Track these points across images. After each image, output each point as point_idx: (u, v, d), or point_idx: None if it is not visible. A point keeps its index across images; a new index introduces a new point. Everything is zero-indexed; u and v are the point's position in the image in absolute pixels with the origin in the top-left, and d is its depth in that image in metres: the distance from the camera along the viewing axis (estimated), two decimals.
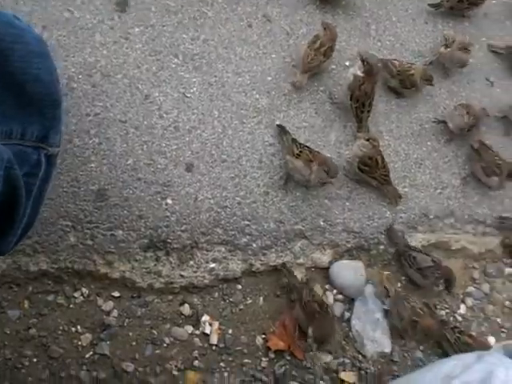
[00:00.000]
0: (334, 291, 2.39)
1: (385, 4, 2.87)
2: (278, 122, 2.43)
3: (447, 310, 2.51)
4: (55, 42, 2.27)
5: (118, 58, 2.33)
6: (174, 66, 2.39)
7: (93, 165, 2.18)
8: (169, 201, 2.22)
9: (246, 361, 2.20)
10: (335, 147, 2.51)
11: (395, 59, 2.67)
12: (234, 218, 2.29)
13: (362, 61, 2.46)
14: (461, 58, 2.78)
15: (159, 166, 2.25)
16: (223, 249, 2.26)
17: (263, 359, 2.22)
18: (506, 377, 1.01)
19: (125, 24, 2.39)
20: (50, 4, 2.33)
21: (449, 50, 2.76)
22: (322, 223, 2.41)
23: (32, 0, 2.31)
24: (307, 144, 2.37)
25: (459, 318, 2.51)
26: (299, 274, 2.34)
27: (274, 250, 2.33)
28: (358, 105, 2.46)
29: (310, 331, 2.22)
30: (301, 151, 2.30)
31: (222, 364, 2.18)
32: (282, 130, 2.40)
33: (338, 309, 2.37)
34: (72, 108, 2.22)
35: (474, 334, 2.42)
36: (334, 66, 2.63)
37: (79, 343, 2.08)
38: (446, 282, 2.48)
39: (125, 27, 2.39)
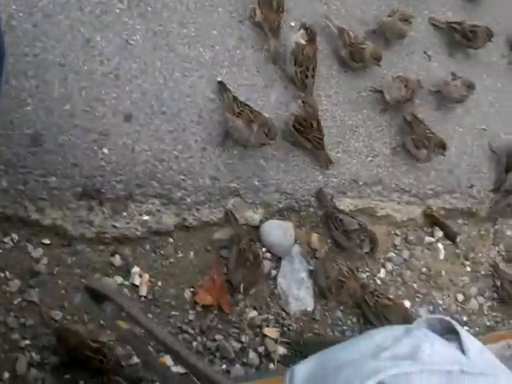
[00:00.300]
0: (263, 249, 2.48)
1: None
2: (219, 79, 2.44)
3: (368, 274, 2.67)
4: None
5: (60, 2, 2.26)
6: (118, 10, 2.34)
7: (29, 108, 2.14)
8: (105, 150, 2.21)
9: (174, 313, 2.27)
10: (275, 108, 2.55)
11: (352, 31, 2.72)
12: (170, 171, 2.31)
13: (305, 29, 2.50)
14: (401, 28, 2.85)
15: (97, 114, 2.23)
16: (157, 202, 2.29)
17: (190, 312, 2.29)
18: (432, 351, 1.11)
19: None
20: None
21: (391, 19, 2.83)
22: (256, 183, 2.47)
23: None
24: (247, 103, 2.41)
25: (378, 282, 2.68)
26: (230, 231, 2.41)
27: (207, 205, 2.38)
28: (303, 69, 2.50)
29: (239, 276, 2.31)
30: (242, 110, 2.33)
31: (149, 315, 2.22)
32: (223, 86, 2.42)
33: (265, 266, 2.46)
34: (10, 47, 2.11)
35: (391, 297, 2.59)
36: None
37: (7, 289, 2.07)
38: (370, 245, 2.60)
39: None
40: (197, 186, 2.35)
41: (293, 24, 2.67)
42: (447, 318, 1.28)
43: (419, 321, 1.32)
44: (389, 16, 2.85)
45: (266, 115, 2.44)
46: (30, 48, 2.18)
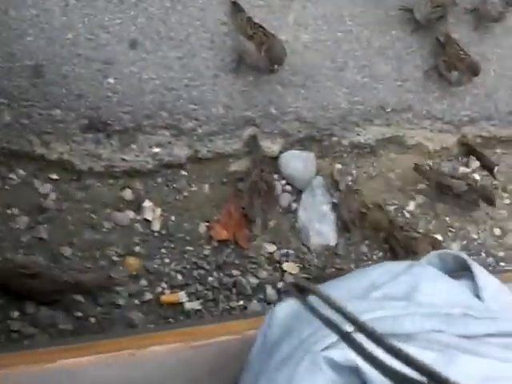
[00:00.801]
0: (283, 182, 2.38)
1: None
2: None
3: (396, 206, 2.54)
4: None
5: None
6: None
7: (29, 38, 2.06)
8: (110, 80, 2.13)
9: (189, 248, 2.22)
10: (294, 29, 2.41)
11: None
12: (181, 100, 2.21)
13: None
14: None
15: (101, 42, 2.13)
16: (168, 133, 2.20)
17: (206, 247, 2.23)
18: (432, 292, 0.99)
19: None
20: None
21: None
22: (273, 111, 2.34)
23: None
24: (263, 25, 2.26)
25: (407, 215, 2.54)
26: (247, 163, 2.32)
27: (221, 136, 2.28)
28: None
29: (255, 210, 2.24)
30: (255, 32, 2.20)
31: (163, 250, 2.18)
32: (236, 7, 2.28)
33: (285, 199, 2.37)
34: None
35: (421, 231, 2.47)
36: None
37: (16, 226, 2.06)
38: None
39: None
40: (209, 116, 2.25)
41: None
42: (462, 255, 1.15)
43: (428, 256, 1.20)
44: None
45: (283, 37, 2.32)
46: None
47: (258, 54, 2.16)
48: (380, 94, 2.52)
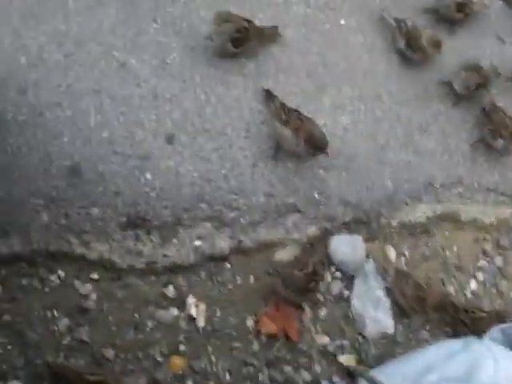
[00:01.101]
0: (332, 268, 2.28)
1: None
2: (265, 87, 2.31)
3: (456, 286, 2.38)
4: (25, 10, 2.19)
5: (91, 25, 2.23)
6: (152, 30, 2.28)
7: (65, 139, 2.09)
8: (148, 175, 2.12)
9: (236, 344, 2.10)
10: (330, 113, 2.38)
11: (408, 18, 2.54)
12: (220, 191, 2.17)
13: None
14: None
15: (137, 138, 2.14)
16: (209, 225, 2.15)
17: (254, 342, 2.11)
18: (495, 371, 0.86)
19: None
20: None
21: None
22: (316, 195, 2.28)
23: None
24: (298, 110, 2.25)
25: (469, 295, 2.38)
26: (293, 251, 2.23)
27: (264, 225, 2.21)
28: None
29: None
30: (289, 117, 2.18)
31: (209, 348, 2.07)
32: (269, 94, 2.28)
33: (336, 287, 2.25)
34: (43, 79, 2.13)
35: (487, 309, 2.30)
36: (328, 26, 2.50)
37: (56, 329, 2.00)
38: None
39: None
40: (250, 205, 2.19)
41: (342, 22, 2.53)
42: None
43: (491, 332, 1.08)
44: None
45: (322, 121, 2.29)
46: (63, 78, 2.15)
47: (295, 140, 2.13)
48: (426, 169, 2.44)
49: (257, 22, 2.34)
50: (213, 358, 2.07)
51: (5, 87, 2.10)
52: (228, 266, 2.18)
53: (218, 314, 2.12)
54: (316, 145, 2.15)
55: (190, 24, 2.33)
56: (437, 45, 2.49)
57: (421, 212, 2.43)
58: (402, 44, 2.52)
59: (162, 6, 2.33)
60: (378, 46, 2.53)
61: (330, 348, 2.17)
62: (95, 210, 2.07)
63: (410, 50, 2.51)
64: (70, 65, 2.16)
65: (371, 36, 2.54)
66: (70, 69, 2.15)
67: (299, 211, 2.26)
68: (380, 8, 2.59)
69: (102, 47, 2.20)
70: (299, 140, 2.14)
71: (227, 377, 2.06)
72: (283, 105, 2.22)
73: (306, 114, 2.23)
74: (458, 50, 2.63)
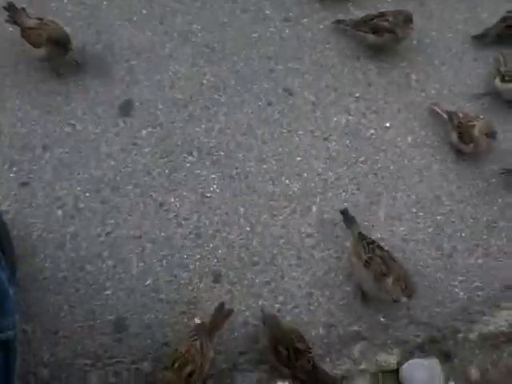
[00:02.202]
0: None
1: (424, 47, 2.61)
2: (341, 208, 2.16)
3: None
4: (57, 162, 2.17)
5: (126, 167, 2.19)
6: (188, 164, 2.22)
7: (108, 292, 2.01)
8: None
9: None
10: (386, 224, 2.23)
11: (461, 111, 2.40)
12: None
13: None
14: None
15: (182, 282, 2.04)
16: (267, 367, 1.99)
17: None
18: None
19: (131, 128, 2.26)
20: (49, 120, 2.24)
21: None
22: (381, 319, 2.09)
23: (29, 120, 2.24)
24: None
25: None
26: (364, 382, 2.04)
27: (328, 359, 2.03)
28: None
29: None
30: (371, 257, 1.99)
31: None
32: (346, 216, 2.14)
33: None
34: (81, 230, 2.07)
35: None
36: (372, 131, 2.38)
37: None
38: None
39: (131, 132, 2.25)
40: (310, 339, 2.01)
41: (387, 125, 2.41)
42: None
43: None
44: (503, 77, 2.48)
45: (378, 235, 2.13)
46: (102, 227, 2.09)
47: (379, 285, 1.96)
48: (501, 272, 2.22)
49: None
50: None
51: (42, 243, 2.06)
52: None
53: None
54: (408, 288, 1.94)
55: (226, 151, 2.26)
56: (490, 134, 2.31)
57: (502, 320, 2.19)
58: (454, 137, 2.37)
59: (196, 137, 2.28)
60: (429, 143, 2.38)
61: None
62: (145, 364, 1.95)
63: (463, 143, 2.35)
64: (108, 212, 2.11)
65: (421, 134, 2.40)
66: (107, 216, 2.10)
67: (365, 338, 2.07)
68: (427, 102, 2.46)
69: (138, 189, 2.15)
70: (383, 285, 1.95)
71: None
72: (362, 236, 2.06)
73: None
74: None
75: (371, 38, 2.47)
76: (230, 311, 1.96)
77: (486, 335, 2.18)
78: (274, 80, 2.43)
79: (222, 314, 1.95)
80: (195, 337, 1.82)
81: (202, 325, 1.88)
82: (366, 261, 2.01)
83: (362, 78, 2.48)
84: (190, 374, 1.77)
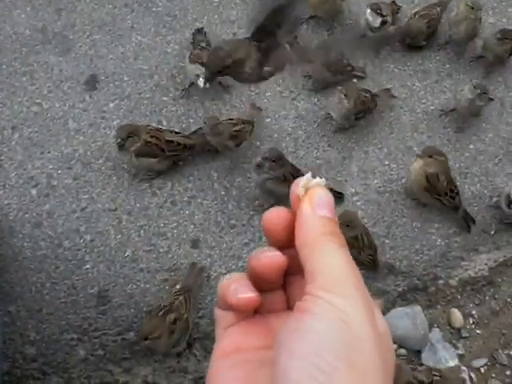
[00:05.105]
0: (395, 346, 2.12)
1: None
2: None
3: None
4: (27, 141, 2.19)
5: (96, 142, 2.21)
6: None
7: (88, 266, 2.05)
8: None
9: None
10: (360, 178, 2.27)
11: None
12: None
13: None
14: None
15: (161, 250, 2.08)
16: None
17: None
18: None
19: (98, 102, 2.28)
20: (15, 101, 2.26)
21: None
22: (360, 271, 2.14)
23: None
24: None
25: None
26: None
27: None
28: None
29: None
30: None
31: None
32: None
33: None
34: (56, 208, 2.10)
35: None
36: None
37: None
38: None
39: (98, 106, 2.27)
40: None
41: None
42: None
43: None
44: None
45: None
46: (77, 203, 2.12)
47: None
48: (477, 217, 2.26)
49: None
50: None
51: (19, 224, 2.09)
52: None
53: None
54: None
55: (196, 119, 2.30)
56: None
57: (481, 264, 2.25)
58: None
59: (164, 107, 2.32)
60: (397, 94, 2.41)
61: None
62: (131, 334, 1.99)
63: None
64: (81, 187, 2.13)
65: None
66: (81, 192, 2.13)
67: None
68: None
69: (111, 163, 2.18)
70: None
71: None
72: None
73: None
74: None
75: None
76: (201, 269, 2.02)
77: (467, 280, 2.24)
78: None
79: (194, 273, 2.01)
80: (178, 293, 1.88)
81: (182, 287, 1.93)
82: None
83: None
84: (174, 322, 1.83)
